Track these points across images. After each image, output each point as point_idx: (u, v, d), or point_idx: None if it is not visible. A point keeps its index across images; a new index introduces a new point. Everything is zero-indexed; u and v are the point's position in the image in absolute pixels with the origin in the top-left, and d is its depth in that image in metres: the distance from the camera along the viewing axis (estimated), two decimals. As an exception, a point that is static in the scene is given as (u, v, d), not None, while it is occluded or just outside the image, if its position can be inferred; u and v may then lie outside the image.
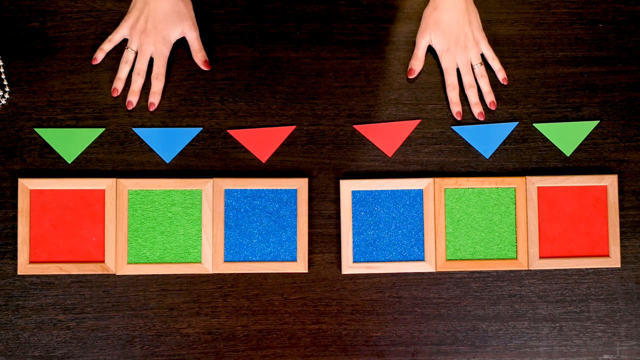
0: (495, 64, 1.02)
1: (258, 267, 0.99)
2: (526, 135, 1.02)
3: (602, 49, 1.04)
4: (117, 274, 0.98)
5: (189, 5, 1.00)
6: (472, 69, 1.02)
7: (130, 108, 0.99)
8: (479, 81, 1.02)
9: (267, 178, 0.99)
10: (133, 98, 0.99)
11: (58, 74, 1.01)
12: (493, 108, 1.02)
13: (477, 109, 1.01)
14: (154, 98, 0.99)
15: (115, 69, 1.01)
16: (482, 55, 1.02)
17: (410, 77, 1.02)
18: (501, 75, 1.02)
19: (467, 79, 1.01)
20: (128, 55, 0.99)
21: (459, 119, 1.01)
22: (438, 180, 1.00)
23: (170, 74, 1.01)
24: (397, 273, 1.00)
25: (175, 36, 0.99)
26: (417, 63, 1.02)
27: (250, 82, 1.02)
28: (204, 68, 1.00)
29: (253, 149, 1.01)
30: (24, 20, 1.02)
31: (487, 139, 1.02)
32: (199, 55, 1.00)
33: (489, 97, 1.01)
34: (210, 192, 0.99)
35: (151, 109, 0.99)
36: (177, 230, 0.99)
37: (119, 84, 1.00)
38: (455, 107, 1.01)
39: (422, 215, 1.00)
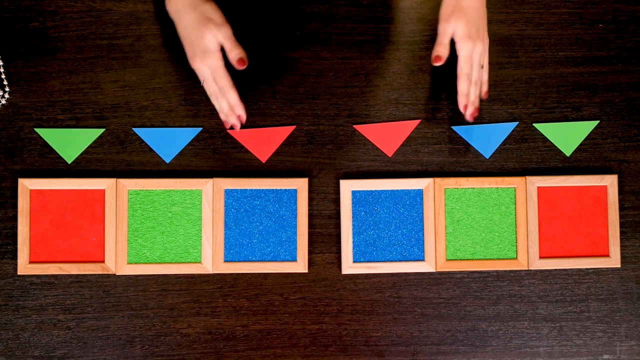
0: (485, 75, 0.97)
1: (258, 267, 0.99)
2: (526, 135, 1.02)
3: (602, 49, 1.04)
4: (117, 274, 0.98)
5: (212, 5, 0.92)
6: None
7: (239, 128, 0.97)
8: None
9: (267, 178, 0.99)
10: (230, 119, 0.96)
11: (58, 74, 1.01)
12: (485, 97, 0.98)
13: (471, 108, 0.97)
14: (237, 109, 0.95)
15: (114, 69, 1.00)
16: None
17: (438, 64, 0.94)
18: (484, 89, 0.97)
19: (476, 74, 0.95)
20: (206, 88, 0.94)
21: (465, 112, 0.96)
22: (438, 180, 1.00)
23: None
24: (397, 273, 1.00)
25: (214, 43, 0.91)
26: (444, 50, 0.94)
27: (250, 82, 1.02)
28: (237, 67, 0.93)
29: (253, 149, 1.01)
30: (24, 20, 1.02)
31: (487, 139, 1.02)
32: (232, 54, 0.92)
33: (484, 87, 0.97)
34: (210, 192, 0.98)
35: (243, 121, 0.96)
36: (177, 230, 0.99)
37: (227, 116, 0.96)
38: (464, 100, 0.95)
39: (422, 215, 1.00)
